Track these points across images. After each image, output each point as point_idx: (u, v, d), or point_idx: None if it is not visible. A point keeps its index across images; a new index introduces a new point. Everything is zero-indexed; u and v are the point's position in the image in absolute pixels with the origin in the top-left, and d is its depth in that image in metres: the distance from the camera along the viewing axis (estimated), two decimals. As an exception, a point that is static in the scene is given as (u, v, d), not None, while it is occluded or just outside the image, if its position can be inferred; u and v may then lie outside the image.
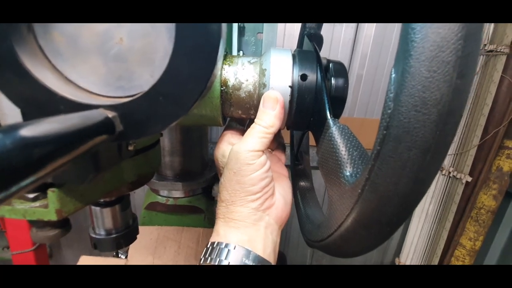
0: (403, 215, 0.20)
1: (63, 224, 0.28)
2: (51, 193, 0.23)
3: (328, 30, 1.25)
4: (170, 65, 0.16)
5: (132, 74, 0.19)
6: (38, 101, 0.17)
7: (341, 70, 0.36)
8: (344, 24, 1.25)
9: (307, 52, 0.37)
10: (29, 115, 0.18)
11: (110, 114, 0.16)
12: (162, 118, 0.18)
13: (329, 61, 0.37)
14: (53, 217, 0.25)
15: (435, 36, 0.15)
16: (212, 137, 1.43)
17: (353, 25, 1.26)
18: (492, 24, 1.20)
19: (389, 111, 0.17)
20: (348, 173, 0.25)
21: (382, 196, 0.19)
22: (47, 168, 0.10)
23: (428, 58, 0.15)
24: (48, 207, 0.24)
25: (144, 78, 0.19)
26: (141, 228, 0.75)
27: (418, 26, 0.15)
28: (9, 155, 0.08)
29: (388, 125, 0.17)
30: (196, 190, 0.76)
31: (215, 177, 0.80)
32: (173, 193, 0.73)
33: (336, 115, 0.37)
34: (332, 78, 0.36)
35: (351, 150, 0.26)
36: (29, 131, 0.09)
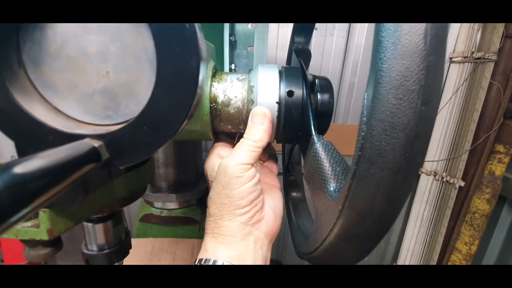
0: (381, 231, 0.21)
1: (55, 243, 0.29)
2: (43, 213, 0.24)
3: (320, 40, 1.28)
4: (152, 97, 0.17)
5: (119, 104, 0.20)
6: (28, 133, 0.18)
7: (326, 86, 0.38)
8: (335, 35, 1.28)
9: (294, 69, 0.39)
10: (21, 146, 0.19)
11: (97, 143, 0.17)
12: (146, 146, 0.19)
13: (315, 76, 0.39)
14: (45, 236, 0.25)
15: (399, 67, 0.16)
16: (208, 146, 1.44)
17: (344, 35, 1.29)
18: (480, 32, 1.23)
19: (362, 133, 0.18)
20: (332, 188, 0.26)
21: (360, 213, 0.20)
22: (37, 202, 0.11)
23: (394, 86, 0.16)
24: (40, 227, 0.25)
25: (130, 107, 0.20)
26: (135, 240, 0.75)
27: (384, 56, 0.16)
28: (0, 194, 0.09)
29: (362, 146, 0.18)
30: (190, 201, 0.76)
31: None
32: (167, 204, 0.74)
33: (323, 129, 0.38)
34: (318, 94, 0.37)
35: (334, 165, 0.27)
36: (20, 169, 0.10)
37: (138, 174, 0.33)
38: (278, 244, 1.73)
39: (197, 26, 0.17)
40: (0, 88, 0.17)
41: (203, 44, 0.18)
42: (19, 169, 0.10)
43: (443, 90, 1.36)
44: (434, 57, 0.16)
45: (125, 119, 0.20)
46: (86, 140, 0.17)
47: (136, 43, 0.18)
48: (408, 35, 0.16)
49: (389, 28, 0.16)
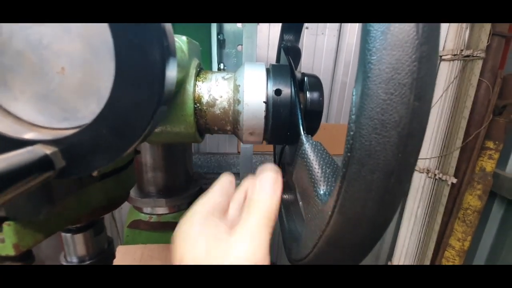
0: (374, 237, 0.20)
1: (25, 258, 0.27)
2: (7, 227, 0.22)
3: (311, 40, 1.27)
4: (111, 95, 0.15)
5: (77, 105, 0.18)
6: None
7: (316, 84, 0.36)
8: (327, 34, 1.27)
9: (282, 66, 0.37)
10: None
11: (49, 150, 0.15)
12: (108, 151, 0.16)
13: (304, 74, 0.37)
14: (11, 252, 0.23)
15: (390, 58, 0.15)
16: (200, 147, 1.42)
17: (336, 34, 1.28)
18: (468, 30, 1.24)
19: (351, 133, 0.17)
20: (322, 192, 0.25)
21: (351, 218, 0.19)
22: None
23: (384, 80, 0.15)
24: (5, 241, 0.23)
25: (90, 108, 0.18)
26: (124, 248, 0.72)
27: (373, 47, 0.15)
28: None
29: (352, 147, 0.17)
30: (181, 205, 0.74)
31: (200, 191, 0.79)
32: (156, 209, 0.71)
33: (313, 129, 0.37)
34: (307, 92, 0.35)
35: (324, 167, 0.26)
36: None
37: (118, 180, 0.31)
38: (273, 245, 1.71)
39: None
40: None
41: (171, 36, 0.16)
42: None
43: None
44: (427, 46, 0.14)
45: (85, 122, 0.17)
46: (37, 146, 0.15)
47: (93, 34, 0.16)
48: (399, 24, 0.14)
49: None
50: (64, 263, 0.36)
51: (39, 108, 0.18)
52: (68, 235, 0.34)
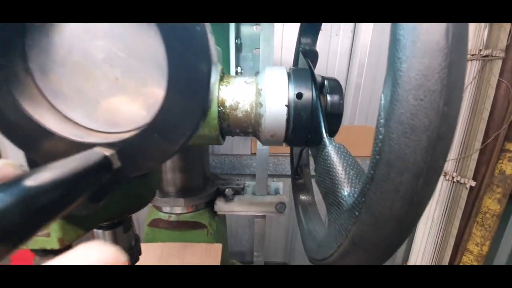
0: (401, 238, 0.20)
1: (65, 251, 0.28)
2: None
3: (325, 41, 1.28)
4: (164, 103, 0.17)
5: (128, 111, 0.19)
6: (38, 143, 0.18)
7: (336, 87, 0.37)
8: (341, 35, 1.27)
9: (302, 70, 0.38)
10: (31, 156, 0.19)
11: (108, 152, 0.17)
12: (158, 154, 0.18)
13: (324, 78, 0.38)
14: (56, 245, 0.25)
15: (419, 66, 0.15)
16: (214, 149, 1.44)
17: (350, 35, 1.28)
18: (487, 30, 1.21)
19: (380, 136, 0.18)
20: (346, 193, 0.25)
21: (378, 219, 0.19)
22: (50, 216, 0.11)
23: (414, 87, 0.16)
24: (50, 236, 0.25)
25: (141, 114, 0.19)
26: (144, 245, 0.74)
27: (403, 55, 0.16)
28: (11, 212, 0.09)
29: (380, 150, 0.18)
30: (198, 205, 0.76)
31: (217, 192, 0.80)
32: (175, 209, 0.73)
33: (333, 131, 0.38)
34: (328, 95, 0.36)
35: (347, 169, 0.26)
36: (30, 182, 0.10)
37: (147, 181, 0.32)
38: (286, 247, 1.71)
39: (208, 27, 0.16)
40: (7, 97, 0.17)
41: (214, 47, 0.17)
42: (29, 183, 0.10)
43: (450, 88, 1.34)
44: (456, 54, 0.15)
45: (134, 126, 0.19)
46: (97, 148, 0.17)
47: (145, 47, 0.18)
48: (428, 33, 0.15)
49: (408, 26, 0.16)
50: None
51: (94, 114, 0.19)
52: (100, 231, 0.36)
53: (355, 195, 0.24)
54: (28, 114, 0.17)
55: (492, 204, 1.29)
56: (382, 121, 0.18)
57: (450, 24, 0.15)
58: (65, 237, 0.24)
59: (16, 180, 0.10)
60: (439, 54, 0.15)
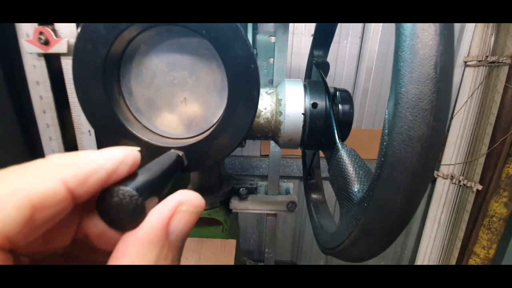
0: (402, 225, 0.25)
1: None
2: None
3: (334, 47, 1.32)
4: (222, 118, 0.22)
5: (192, 121, 0.25)
6: (127, 145, 0.23)
7: (347, 98, 0.42)
8: (349, 41, 1.31)
9: (316, 82, 0.43)
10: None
11: (180, 153, 0.22)
12: (215, 156, 0.23)
13: (336, 89, 0.43)
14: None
15: (415, 91, 0.20)
16: (224, 151, 1.49)
17: (358, 41, 1.32)
18: (493, 37, 1.24)
19: (385, 143, 0.22)
20: (356, 189, 0.30)
21: (383, 210, 0.24)
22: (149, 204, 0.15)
23: (411, 106, 0.20)
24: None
25: (200, 125, 0.25)
26: (165, 240, 0.80)
27: (402, 82, 0.21)
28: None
29: (385, 154, 0.22)
30: (214, 203, 0.81)
31: (231, 191, 0.85)
32: (193, 206, 0.79)
33: (344, 136, 0.42)
34: (339, 105, 0.41)
35: (357, 169, 0.31)
36: (142, 177, 0.15)
37: (182, 179, 0.37)
38: (293, 247, 1.75)
39: (258, 65, 0.21)
40: (109, 111, 0.22)
41: (260, 78, 0.22)
42: (140, 179, 0.15)
43: (458, 94, 1.37)
44: (443, 83, 0.20)
45: (196, 133, 0.25)
46: (172, 150, 0.22)
47: (208, 77, 0.23)
48: (421, 66, 0.20)
49: (406, 59, 0.21)
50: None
51: (166, 125, 0.25)
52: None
53: (364, 190, 0.29)
54: (122, 123, 0.23)
55: (498, 208, 1.31)
56: (386, 131, 0.22)
57: (438, 59, 0.20)
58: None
59: (132, 178, 0.15)
60: (430, 83, 0.20)
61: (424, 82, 0.20)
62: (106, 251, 0.16)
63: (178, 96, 0.25)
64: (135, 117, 0.25)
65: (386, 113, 0.23)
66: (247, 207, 0.84)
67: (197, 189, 0.80)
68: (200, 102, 0.24)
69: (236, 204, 0.83)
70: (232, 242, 0.80)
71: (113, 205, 0.14)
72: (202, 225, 0.80)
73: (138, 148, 0.16)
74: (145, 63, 0.24)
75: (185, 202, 0.15)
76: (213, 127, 0.23)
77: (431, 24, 0.20)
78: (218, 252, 0.78)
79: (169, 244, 0.15)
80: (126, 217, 0.14)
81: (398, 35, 0.21)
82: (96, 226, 0.16)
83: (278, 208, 0.84)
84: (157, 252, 0.14)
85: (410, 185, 0.22)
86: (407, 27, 0.21)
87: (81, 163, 0.14)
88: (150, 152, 0.23)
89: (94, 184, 0.14)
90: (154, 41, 0.23)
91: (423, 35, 0.20)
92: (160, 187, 0.16)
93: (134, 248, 0.14)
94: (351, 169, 0.31)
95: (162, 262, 0.14)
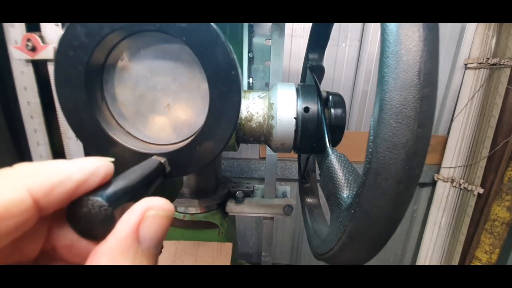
0: (389, 231, 0.24)
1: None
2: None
3: (332, 50, 1.32)
4: (204, 125, 0.22)
5: (176, 128, 0.24)
6: (110, 151, 0.23)
7: (339, 101, 0.41)
8: (348, 44, 1.31)
9: (309, 86, 0.43)
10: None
11: (162, 159, 0.22)
12: (198, 161, 0.23)
13: (328, 93, 0.42)
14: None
15: (399, 97, 0.20)
16: (224, 153, 1.49)
17: (357, 44, 1.32)
18: (494, 39, 1.23)
19: (370, 150, 0.22)
20: (345, 195, 0.30)
21: (370, 217, 0.24)
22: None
23: (395, 112, 0.20)
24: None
25: (184, 131, 0.24)
26: (161, 243, 0.79)
27: (386, 88, 0.20)
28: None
29: (370, 161, 0.22)
30: (211, 206, 0.81)
31: (228, 194, 0.85)
32: (189, 209, 0.79)
33: (336, 141, 0.42)
34: (332, 109, 0.41)
35: (347, 175, 0.31)
36: (114, 187, 0.15)
37: (174, 182, 0.37)
38: (292, 250, 1.74)
39: (239, 72, 0.21)
40: (91, 117, 0.22)
41: (243, 84, 0.22)
42: (116, 185, 0.15)
43: (458, 96, 1.36)
44: (427, 89, 0.19)
45: (180, 139, 0.24)
46: (154, 157, 0.22)
47: (191, 82, 0.23)
48: (405, 72, 0.20)
49: (390, 65, 0.20)
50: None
51: (149, 131, 0.25)
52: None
53: (353, 196, 0.28)
54: (104, 129, 0.23)
55: (501, 212, 1.30)
56: (371, 138, 0.22)
57: (422, 65, 0.20)
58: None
59: (106, 186, 0.15)
60: (413, 89, 0.19)
61: (407, 88, 0.20)
62: (75, 264, 0.16)
63: (161, 102, 0.24)
64: (118, 123, 0.25)
65: (372, 120, 0.22)
66: (243, 210, 0.83)
67: (193, 192, 0.79)
68: (183, 108, 0.24)
69: (232, 207, 0.82)
70: (229, 245, 0.80)
71: (82, 215, 0.14)
72: (199, 228, 0.79)
73: (112, 159, 0.16)
74: (127, 69, 0.24)
75: (152, 207, 0.15)
76: (196, 134, 0.23)
77: (415, 30, 0.20)
78: (214, 255, 0.78)
79: (142, 251, 0.15)
80: (96, 227, 0.14)
81: (383, 41, 0.21)
82: (66, 237, 0.16)
83: (275, 211, 0.84)
84: (129, 261, 0.14)
85: (395, 192, 0.22)
86: (391, 33, 0.20)
87: (48, 173, 0.14)
88: (133, 158, 0.23)
89: (61, 194, 0.14)
90: (137, 47, 0.23)
91: (407, 41, 0.20)
92: (138, 195, 0.16)
93: (106, 260, 0.14)
94: (341, 174, 0.31)
95: None
